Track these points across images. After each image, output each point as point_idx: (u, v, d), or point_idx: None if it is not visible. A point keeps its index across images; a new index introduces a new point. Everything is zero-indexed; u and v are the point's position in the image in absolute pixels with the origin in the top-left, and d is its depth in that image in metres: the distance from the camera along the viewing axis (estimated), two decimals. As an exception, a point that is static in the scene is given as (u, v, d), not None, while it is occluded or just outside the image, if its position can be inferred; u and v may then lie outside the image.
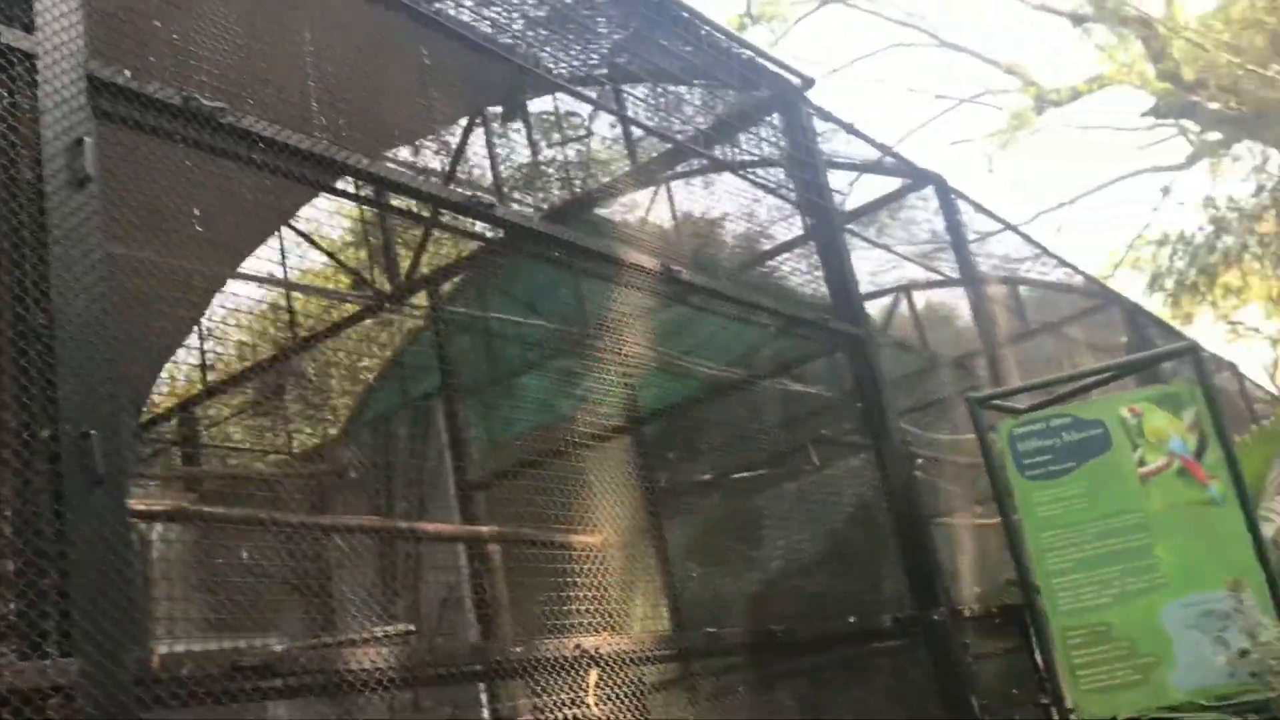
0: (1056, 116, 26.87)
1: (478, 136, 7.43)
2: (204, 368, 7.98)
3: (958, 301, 11.80)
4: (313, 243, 8.68)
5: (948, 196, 8.89)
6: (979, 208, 9.51)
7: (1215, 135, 23.50)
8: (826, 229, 7.06)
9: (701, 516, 7.89)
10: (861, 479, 6.84)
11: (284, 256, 8.21)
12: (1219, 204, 13.25)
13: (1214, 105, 20.96)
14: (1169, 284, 13.06)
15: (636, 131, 7.18)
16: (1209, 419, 5.04)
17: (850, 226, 8.24)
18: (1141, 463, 5.07)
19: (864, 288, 10.23)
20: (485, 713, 6.15)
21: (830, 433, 7.24)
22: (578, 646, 3.86)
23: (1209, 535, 4.95)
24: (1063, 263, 11.07)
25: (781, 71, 7.33)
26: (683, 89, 7.21)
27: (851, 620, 5.82)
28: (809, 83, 7.40)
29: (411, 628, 6.45)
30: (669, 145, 7.09)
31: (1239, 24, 19.42)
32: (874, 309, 11.05)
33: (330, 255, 9.17)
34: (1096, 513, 5.06)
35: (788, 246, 7.03)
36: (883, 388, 6.61)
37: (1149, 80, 23.49)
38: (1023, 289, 12.14)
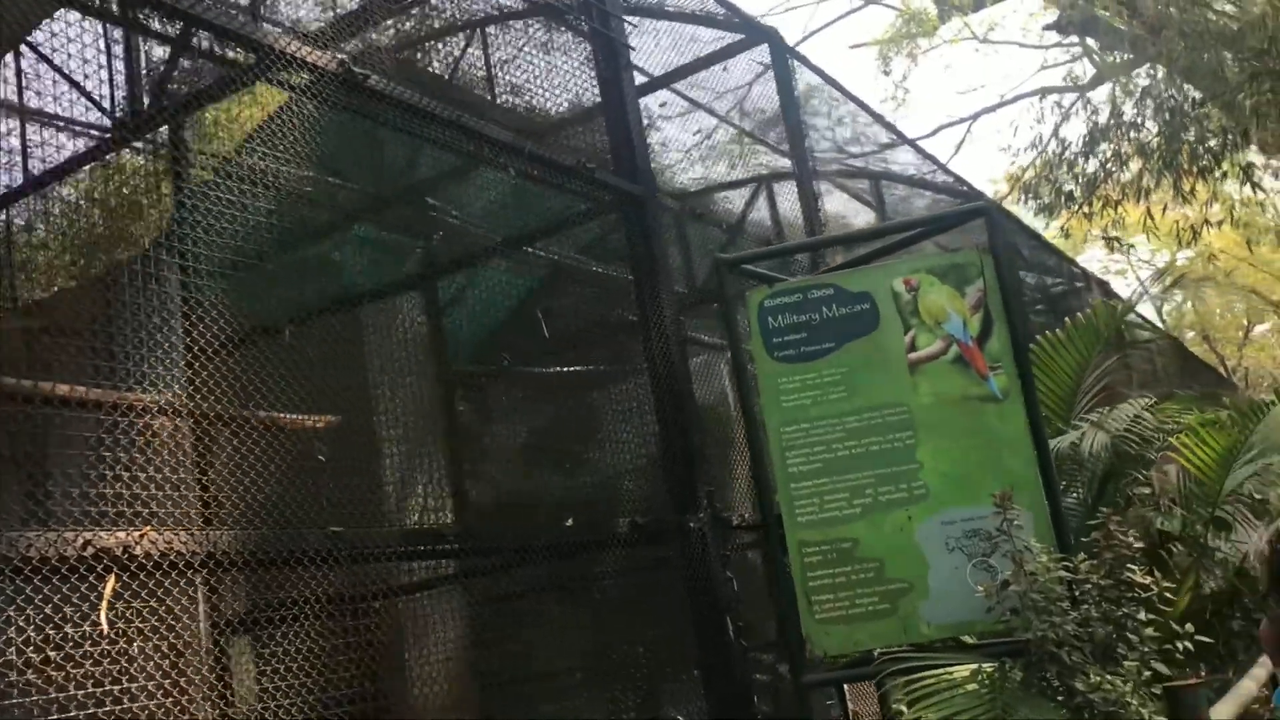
0: (960, 27, 25.97)
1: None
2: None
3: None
4: (50, 64, 7.30)
5: (784, 59, 7.77)
6: (825, 76, 8.43)
7: (1125, 56, 22.77)
8: (609, 64, 5.91)
9: (462, 405, 6.83)
10: (630, 366, 5.82)
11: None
12: (1100, 113, 12.40)
13: (1118, 23, 20.11)
14: (1045, 194, 12.24)
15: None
16: (997, 296, 4.07)
17: (641, 67, 7.12)
18: (913, 347, 4.10)
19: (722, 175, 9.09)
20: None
21: (608, 314, 6.19)
22: (86, 544, 2.78)
23: (984, 438, 4.02)
24: (922, 154, 10.10)
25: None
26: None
27: (577, 525, 4.86)
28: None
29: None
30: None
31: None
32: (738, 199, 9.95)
33: (71, 81, 7.78)
34: (853, 405, 4.09)
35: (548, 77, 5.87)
36: (659, 257, 5.55)
37: (1054, -8, 22.56)
38: (885, 189, 11.20)
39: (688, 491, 5.04)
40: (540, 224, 6.01)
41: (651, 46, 8.07)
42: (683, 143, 8.62)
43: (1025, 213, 13.61)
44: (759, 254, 4.40)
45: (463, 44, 6.19)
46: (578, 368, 6.02)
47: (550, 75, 6.19)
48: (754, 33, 7.77)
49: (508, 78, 6.32)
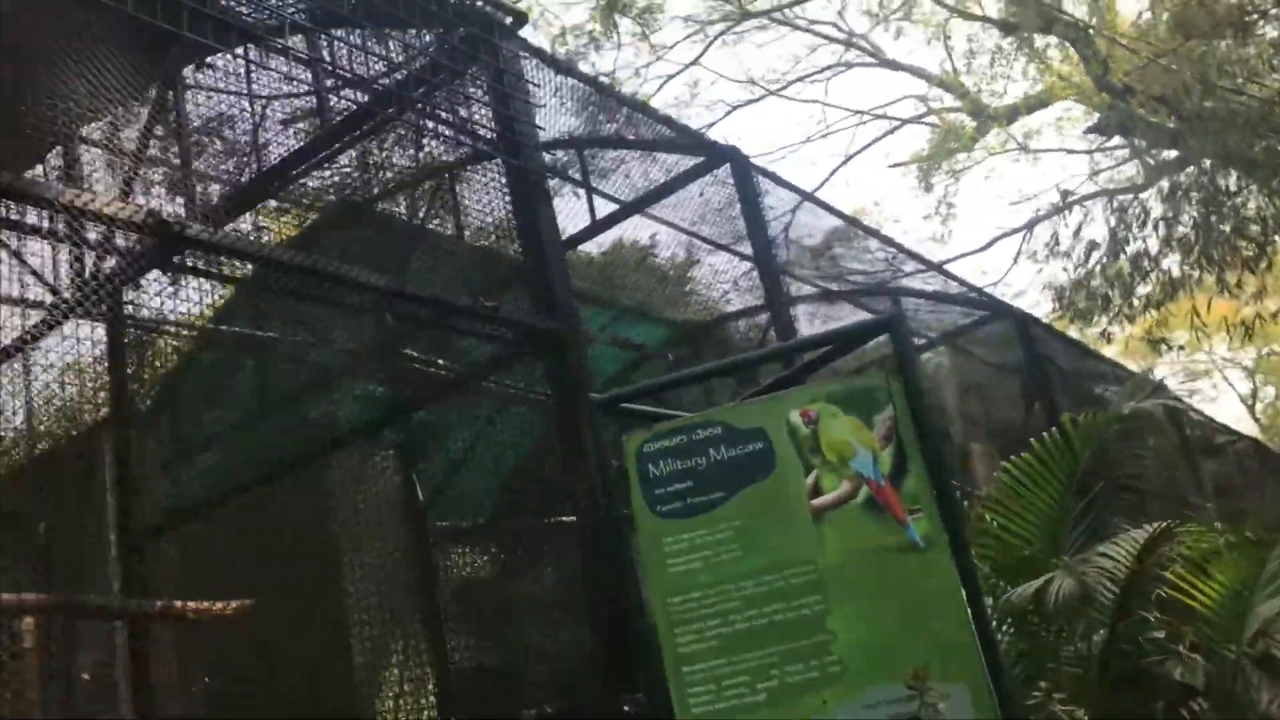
0: (1003, 138, 25.46)
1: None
2: None
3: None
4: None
5: (748, 177, 7.31)
6: (804, 194, 7.94)
7: (1172, 153, 22.05)
8: (522, 196, 5.49)
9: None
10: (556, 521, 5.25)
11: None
12: (1128, 211, 11.66)
13: (1154, 119, 19.48)
14: (1079, 300, 11.45)
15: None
16: (910, 423, 3.41)
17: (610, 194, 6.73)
18: (816, 491, 3.44)
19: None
20: None
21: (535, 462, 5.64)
22: None
23: (906, 598, 3.31)
24: (927, 264, 9.49)
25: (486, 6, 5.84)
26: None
27: None
28: (520, 19, 5.89)
29: None
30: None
31: (1176, 27, 18.00)
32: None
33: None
34: (750, 566, 3.41)
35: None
36: (583, 401, 5.00)
37: (1091, 94, 22.01)
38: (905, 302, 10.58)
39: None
40: (454, 373, 5.52)
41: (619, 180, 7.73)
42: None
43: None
44: (636, 390, 3.79)
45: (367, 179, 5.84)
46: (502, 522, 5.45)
47: (468, 207, 5.78)
48: (714, 154, 7.35)
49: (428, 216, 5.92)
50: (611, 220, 7.37)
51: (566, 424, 4.82)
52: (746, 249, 7.42)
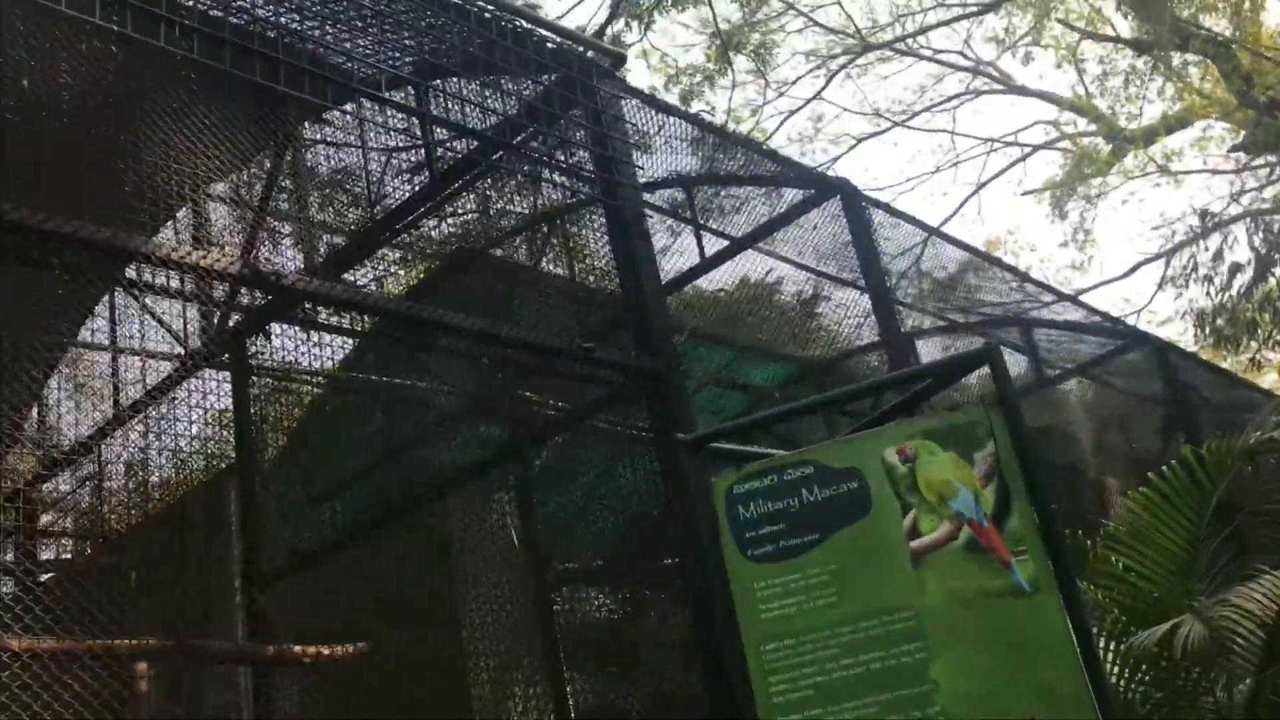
0: (1144, 160, 24.53)
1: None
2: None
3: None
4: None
5: (858, 209, 7.18)
6: (918, 223, 7.76)
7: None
8: (620, 233, 5.48)
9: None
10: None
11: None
12: (1274, 230, 11.05)
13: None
14: (1220, 322, 10.90)
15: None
16: (1013, 460, 3.23)
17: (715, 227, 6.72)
18: (915, 532, 3.29)
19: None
20: None
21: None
22: None
23: (1013, 644, 3.12)
24: (1056, 293, 9.14)
25: (585, 50, 5.90)
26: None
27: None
28: (618, 60, 5.92)
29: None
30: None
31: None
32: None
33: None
34: (847, 612, 3.28)
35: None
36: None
37: (1234, 111, 21.08)
38: (1037, 333, 10.25)
39: None
40: (562, 414, 5.51)
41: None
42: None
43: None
44: (724, 429, 3.69)
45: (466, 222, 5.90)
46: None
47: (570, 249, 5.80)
48: (824, 187, 7.25)
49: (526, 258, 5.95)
50: (720, 258, 7.31)
51: (667, 465, 4.76)
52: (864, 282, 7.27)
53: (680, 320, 7.92)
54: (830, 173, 7.25)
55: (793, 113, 21.88)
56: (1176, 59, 20.76)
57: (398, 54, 5.72)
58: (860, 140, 23.76)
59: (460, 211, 5.92)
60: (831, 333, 8.79)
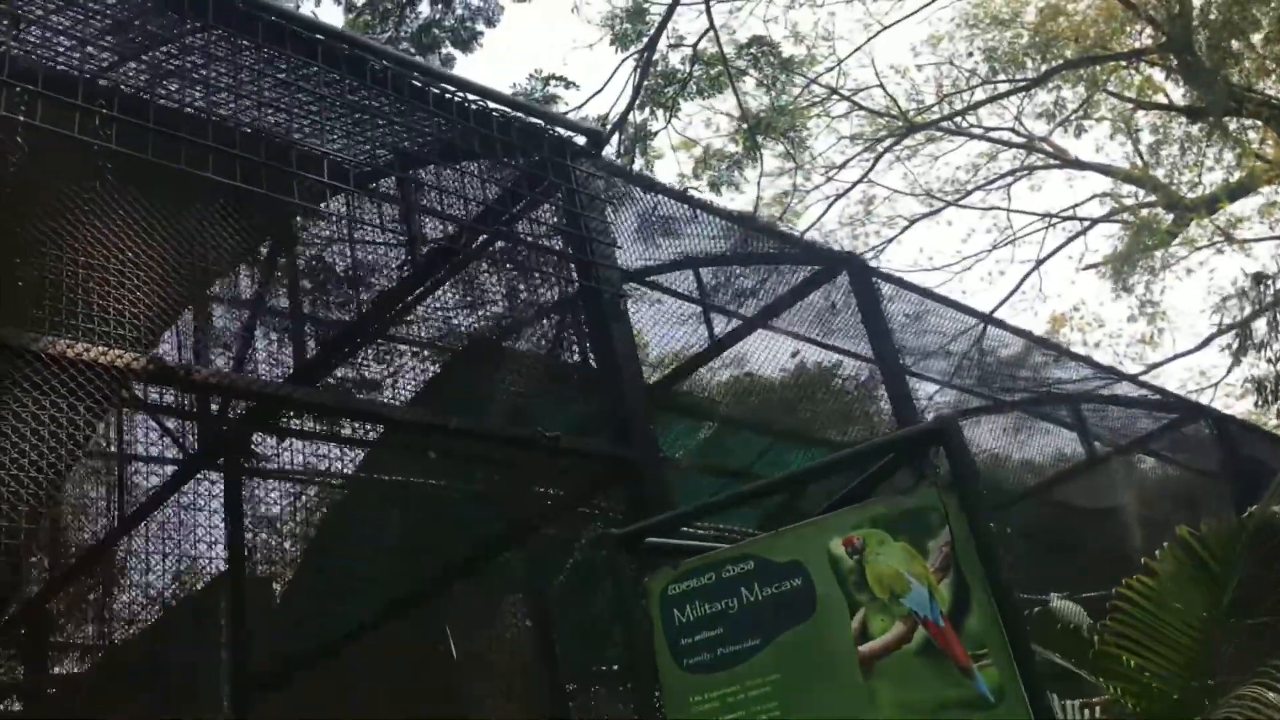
0: (1206, 229, 23.76)
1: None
2: None
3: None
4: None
5: (865, 280, 6.86)
6: (929, 294, 7.40)
7: None
8: (596, 317, 5.23)
9: None
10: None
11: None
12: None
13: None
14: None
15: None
16: (971, 550, 2.83)
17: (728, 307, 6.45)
18: (864, 634, 2.89)
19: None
20: None
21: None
22: None
23: (976, 766, 2.69)
24: (1097, 367, 8.65)
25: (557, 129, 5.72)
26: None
27: None
28: (595, 139, 5.73)
29: None
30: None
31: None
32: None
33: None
34: (790, 728, 2.88)
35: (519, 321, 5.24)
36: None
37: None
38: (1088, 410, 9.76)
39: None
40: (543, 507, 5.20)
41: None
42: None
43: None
44: (658, 522, 3.33)
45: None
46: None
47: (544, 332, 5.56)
48: (832, 262, 6.94)
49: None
50: (725, 342, 7.00)
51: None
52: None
53: (698, 405, 7.60)
54: (864, 252, 6.91)
55: (839, 196, 21.63)
56: (1233, 124, 20.20)
57: (368, 146, 5.57)
58: (913, 221, 23.39)
59: (437, 303, 5.70)
60: (866, 411, 8.39)
